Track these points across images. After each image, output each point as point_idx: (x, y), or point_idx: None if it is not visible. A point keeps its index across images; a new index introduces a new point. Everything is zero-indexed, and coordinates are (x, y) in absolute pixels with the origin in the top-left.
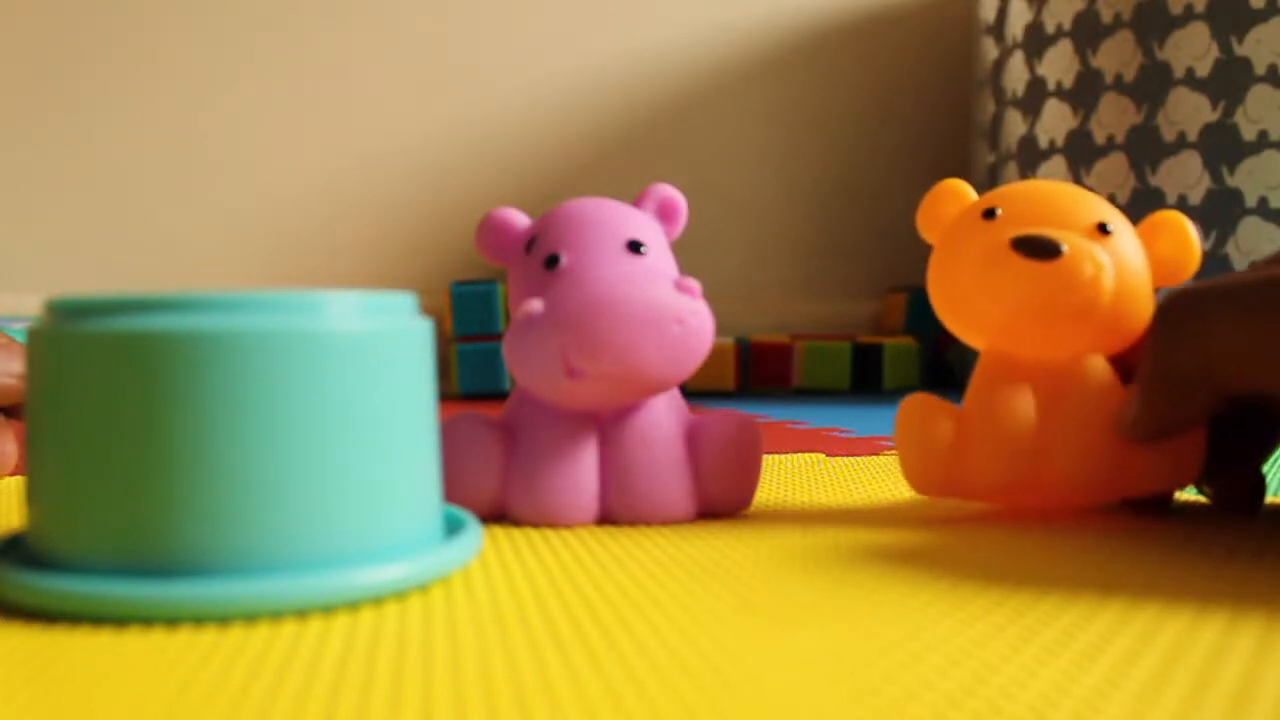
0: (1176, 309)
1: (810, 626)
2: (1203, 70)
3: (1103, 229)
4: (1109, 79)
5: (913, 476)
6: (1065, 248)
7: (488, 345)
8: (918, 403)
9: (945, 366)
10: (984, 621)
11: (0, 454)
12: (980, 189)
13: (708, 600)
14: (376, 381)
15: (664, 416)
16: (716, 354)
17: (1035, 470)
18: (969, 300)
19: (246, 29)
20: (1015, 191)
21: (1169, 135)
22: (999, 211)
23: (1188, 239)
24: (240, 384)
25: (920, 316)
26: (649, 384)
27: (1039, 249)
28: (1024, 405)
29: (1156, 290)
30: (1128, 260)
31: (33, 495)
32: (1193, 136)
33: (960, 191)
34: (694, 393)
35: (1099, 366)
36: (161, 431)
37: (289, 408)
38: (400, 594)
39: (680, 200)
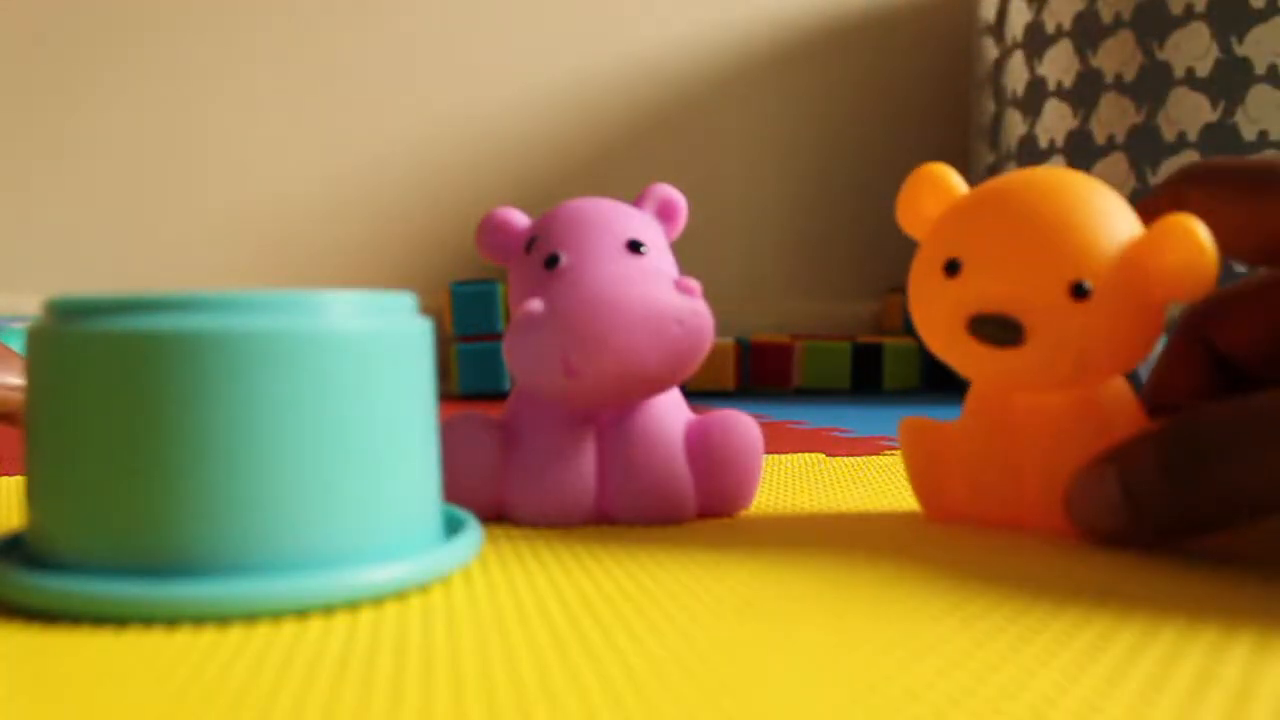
0: (1193, 451)
1: (810, 626)
2: (1203, 70)
3: (1078, 291)
4: (1109, 79)
5: (918, 500)
6: (1024, 332)
7: (488, 345)
8: (907, 427)
9: (945, 366)
10: (984, 621)
11: None
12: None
13: (708, 600)
14: (376, 381)
15: (664, 416)
16: (716, 354)
17: (1014, 499)
18: (941, 356)
19: (246, 29)
20: (983, 232)
21: (1169, 135)
22: (962, 265)
23: (1200, 251)
24: (240, 384)
25: None
26: (649, 384)
27: (995, 335)
28: (1004, 428)
29: (1166, 307)
30: (1110, 318)
31: (33, 495)
32: (1193, 136)
33: (942, 182)
34: (694, 393)
35: (1083, 400)
36: (161, 431)
37: (289, 408)
38: (400, 594)
39: (680, 200)
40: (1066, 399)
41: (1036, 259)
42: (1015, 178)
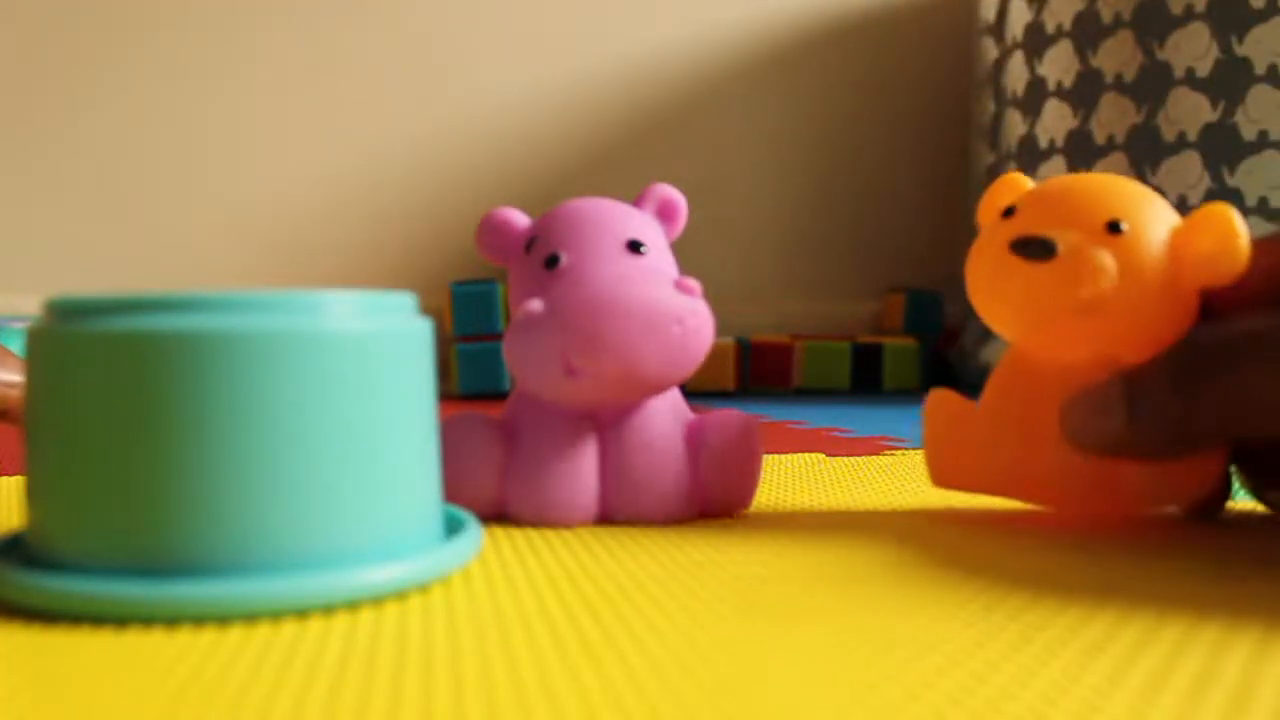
0: (1198, 362)
1: (810, 626)
2: (1203, 70)
3: (1113, 228)
4: (1109, 79)
5: (926, 466)
6: (1059, 249)
7: (488, 345)
8: (935, 399)
9: (945, 366)
10: (984, 621)
11: None
12: (980, 189)
13: (708, 600)
14: (376, 381)
15: (664, 416)
16: (716, 354)
17: (1035, 471)
18: (985, 302)
19: (246, 29)
20: (1041, 188)
21: (1169, 135)
22: (1016, 210)
23: (1232, 235)
24: (240, 384)
25: (920, 316)
26: (649, 384)
27: (1031, 250)
28: (1021, 401)
29: (1200, 291)
30: (1139, 260)
31: (33, 495)
32: (1193, 136)
33: (1020, 185)
34: (694, 393)
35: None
36: (161, 431)
37: (289, 408)
38: (400, 594)
39: (680, 200)
40: (1087, 366)
41: (1080, 200)
42: (1080, 176)
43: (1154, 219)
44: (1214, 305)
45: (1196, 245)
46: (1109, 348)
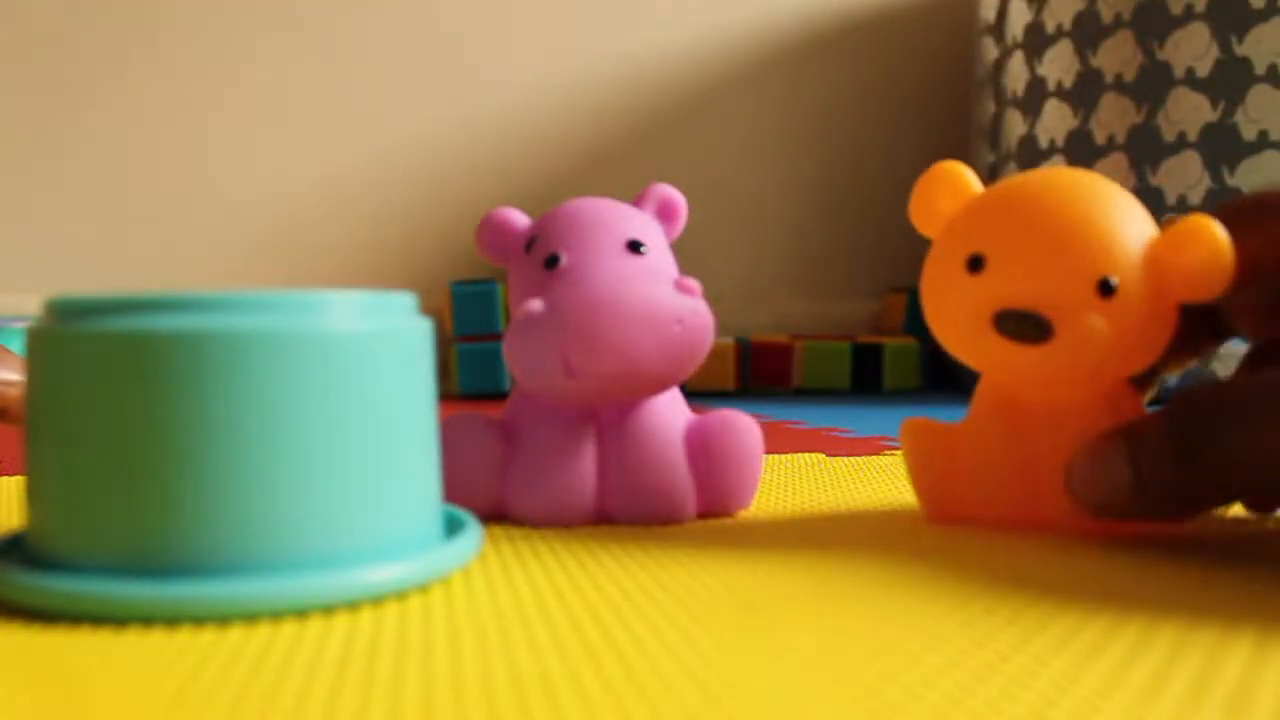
0: (1198, 427)
1: (810, 626)
2: (1203, 70)
3: (1104, 288)
4: (1109, 79)
5: (920, 503)
6: (1054, 329)
7: (488, 345)
8: (909, 430)
9: (945, 366)
10: (984, 621)
11: None
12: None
13: (708, 600)
14: (376, 381)
15: (664, 416)
16: (716, 354)
17: (1028, 499)
18: (965, 359)
19: (246, 29)
20: (1008, 229)
21: (1169, 135)
22: (985, 261)
23: (1217, 249)
24: (240, 384)
25: (920, 316)
26: (649, 384)
27: (1024, 332)
28: (1017, 427)
29: (1181, 307)
30: (1134, 316)
31: (33, 495)
32: (1193, 136)
33: (958, 180)
34: (694, 393)
35: (1097, 394)
36: (161, 431)
37: (289, 408)
38: (400, 594)
39: (680, 200)
40: (1079, 395)
41: (1064, 256)
42: (1032, 177)
43: (1137, 250)
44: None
45: (1181, 259)
46: (1099, 388)
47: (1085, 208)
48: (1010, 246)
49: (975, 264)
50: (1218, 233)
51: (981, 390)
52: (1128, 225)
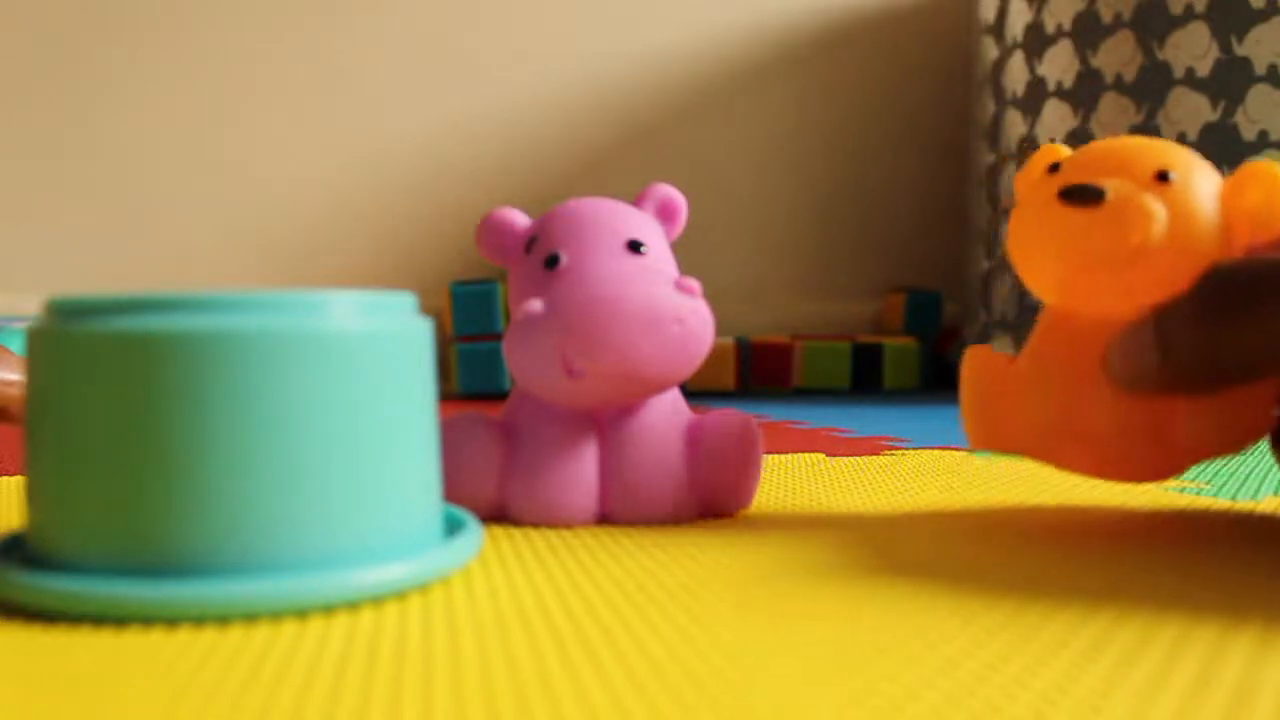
0: (1224, 295)
1: (810, 626)
2: (1203, 70)
3: (1162, 177)
4: (1109, 79)
5: (967, 428)
6: (1108, 194)
7: (488, 345)
8: (973, 356)
9: (945, 366)
10: (984, 621)
11: None
12: (980, 189)
13: (708, 600)
14: (376, 381)
15: (664, 416)
16: (716, 354)
17: (1078, 429)
18: (1029, 256)
19: (247, 29)
20: (1086, 147)
21: (1169, 135)
22: (1062, 166)
23: (1276, 189)
24: (240, 384)
25: (920, 316)
26: (649, 384)
27: (1080, 196)
28: (1065, 355)
29: (1248, 245)
30: (1189, 209)
31: (32, 495)
32: (1193, 136)
33: (1058, 152)
34: (694, 393)
35: None
36: (161, 431)
37: (289, 408)
38: (400, 594)
39: (680, 200)
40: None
41: (1127, 153)
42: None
43: (1201, 172)
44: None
45: (1243, 200)
46: (1152, 300)
47: (1159, 143)
48: (1085, 153)
49: (1054, 168)
50: (1276, 177)
51: (1040, 325)
52: (1193, 159)
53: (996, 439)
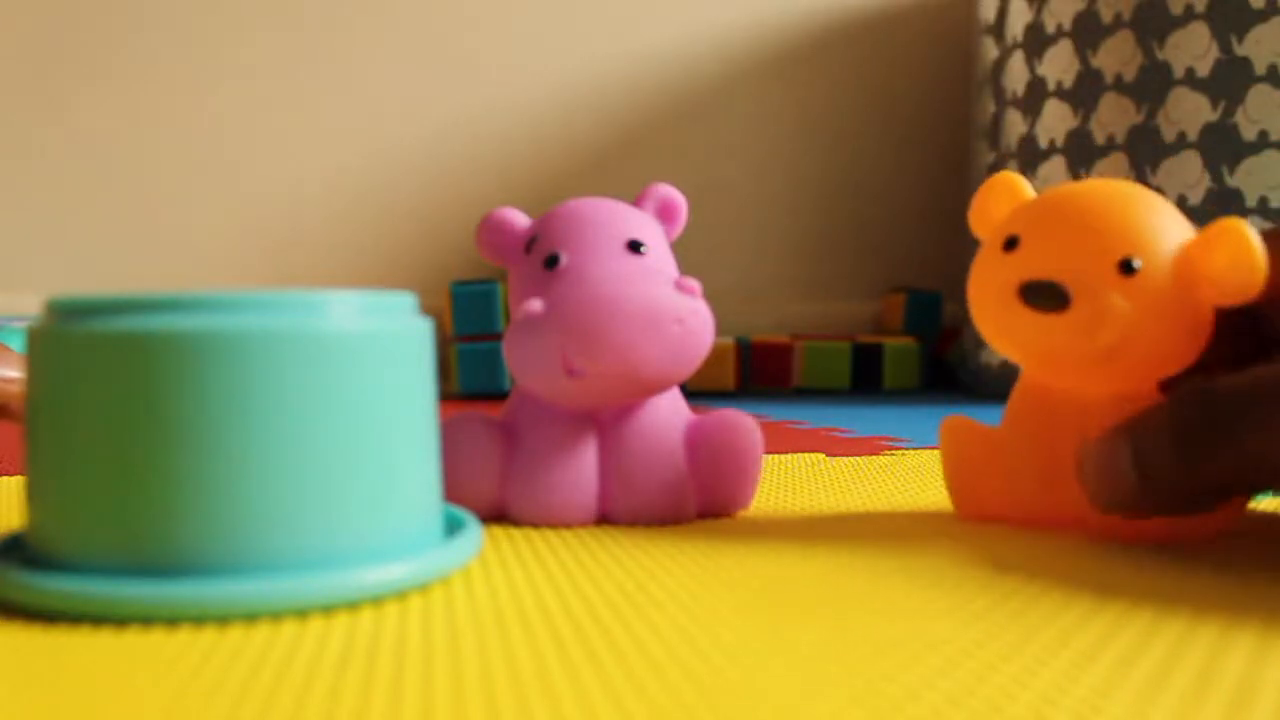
0: (1198, 424)
1: (810, 627)
2: (1203, 70)
3: (1126, 268)
4: (1109, 79)
5: (951, 500)
6: (1071, 297)
7: (488, 345)
8: (949, 427)
9: (945, 367)
10: (984, 621)
11: None
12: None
13: (708, 600)
14: (376, 381)
15: (664, 416)
16: (716, 354)
17: (1055, 501)
18: (991, 337)
19: (247, 28)
20: (1044, 210)
21: (1169, 135)
22: (1020, 241)
23: (1248, 253)
24: (240, 384)
25: (920, 316)
26: (649, 384)
27: (1042, 300)
28: (1041, 427)
29: (1216, 310)
30: (1156, 300)
31: (33, 495)
32: (1193, 136)
33: (1013, 187)
34: (694, 393)
35: (1124, 398)
36: (161, 431)
37: (289, 408)
38: (400, 594)
39: (680, 200)
40: (1107, 398)
41: (1088, 236)
42: (1080, 183)
43: (1165, 244)
44: (1267, 316)
45: (1210, 259)
46: (1128, 384)
47: (1119, 203)
48: (1042, 228)
49: (1010, 244)
50: (1248, 234)
51: (1016, 392)
52: (1157, 220)
53: (980, 511)
